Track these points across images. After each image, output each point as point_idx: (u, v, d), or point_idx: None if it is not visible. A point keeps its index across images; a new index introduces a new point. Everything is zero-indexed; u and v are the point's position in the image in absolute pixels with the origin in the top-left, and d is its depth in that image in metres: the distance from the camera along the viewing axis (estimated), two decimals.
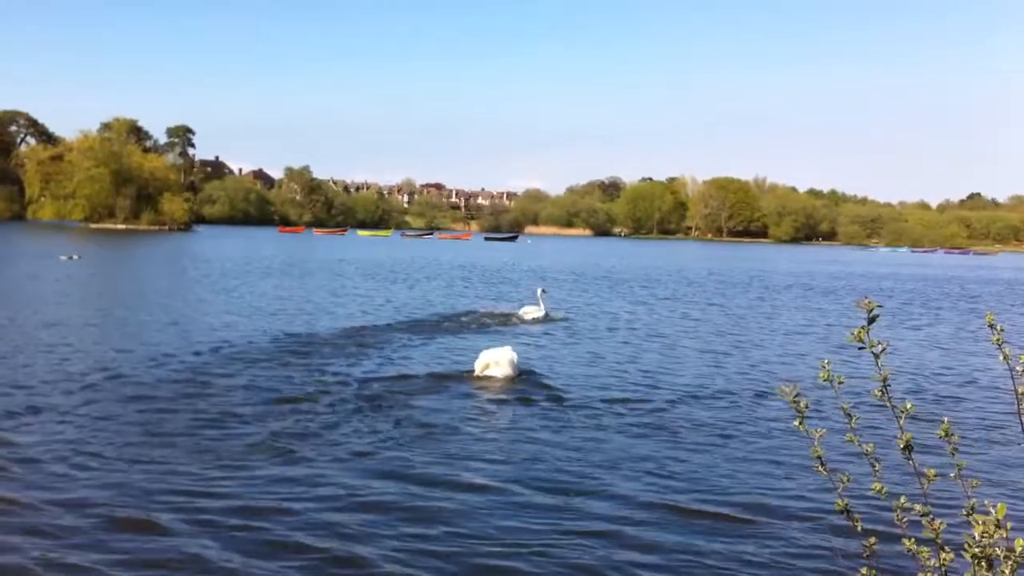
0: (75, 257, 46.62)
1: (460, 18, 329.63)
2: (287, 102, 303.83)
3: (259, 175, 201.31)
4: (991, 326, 3.21)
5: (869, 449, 3.46)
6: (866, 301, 3.20)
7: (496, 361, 15.34)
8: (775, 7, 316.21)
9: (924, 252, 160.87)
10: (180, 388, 13.90)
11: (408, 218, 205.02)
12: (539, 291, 26.84)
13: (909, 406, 3.25)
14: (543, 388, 14.88)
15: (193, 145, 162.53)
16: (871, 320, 3.19)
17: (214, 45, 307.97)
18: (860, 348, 3.22)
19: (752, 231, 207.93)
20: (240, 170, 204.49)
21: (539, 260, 71.11)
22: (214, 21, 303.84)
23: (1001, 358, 3.17)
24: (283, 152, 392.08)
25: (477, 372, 15.43)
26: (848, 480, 3.43)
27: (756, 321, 28.26)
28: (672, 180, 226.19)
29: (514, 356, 15.50)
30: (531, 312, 25.78)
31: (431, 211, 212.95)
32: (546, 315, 25.70)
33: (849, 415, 3.50)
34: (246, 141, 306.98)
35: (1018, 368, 3.09)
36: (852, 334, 3.23)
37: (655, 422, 12.78)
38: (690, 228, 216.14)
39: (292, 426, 11.72)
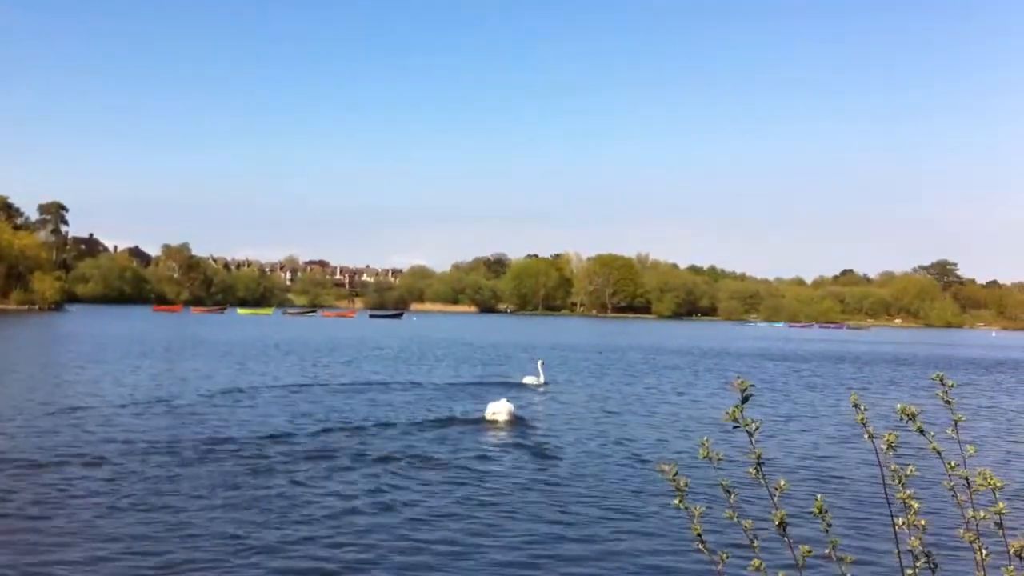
0: None
1: (342, 91, 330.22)
2: (164, 178, 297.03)
3: (135, 252, 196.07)
4: (855, 406, 3.32)
5: (748, 525, 3.50)
6: (738, 381, 3.28)
7: (497, 410, 21.41)
8: (651, 82, 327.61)
9: (801, 327, 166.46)
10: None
11: (291, 296, 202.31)
12: (539, 363, 32.48)
13: (783, 483, 3.32)
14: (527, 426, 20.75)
15: (66, 222, 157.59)
16: (744, 400, 3.26)
17: (87, 119, 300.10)
18: (735, 427, 3.28)
19: (635, 307, 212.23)
20: (115, 247, 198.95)
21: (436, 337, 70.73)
22: (85, 94, 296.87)
23: (866, 436, 3.28)
24: (160, 229, 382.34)
25: (487, 417, 21.41)
26: (727, 558, 3.46)
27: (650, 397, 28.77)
28: (557, 257, 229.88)
29: (511, 407, 21.61)
30: (532, 380, 31.44)
31: (315, 288, 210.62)
32: (544, 383, 31.04)
33: (728, 491, 3.54)
34: (121, 218, 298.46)
35: (881, 446, 3.20)
36: (727, 413, 3.29)
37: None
38: (575, 304, 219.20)
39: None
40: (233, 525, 11.14)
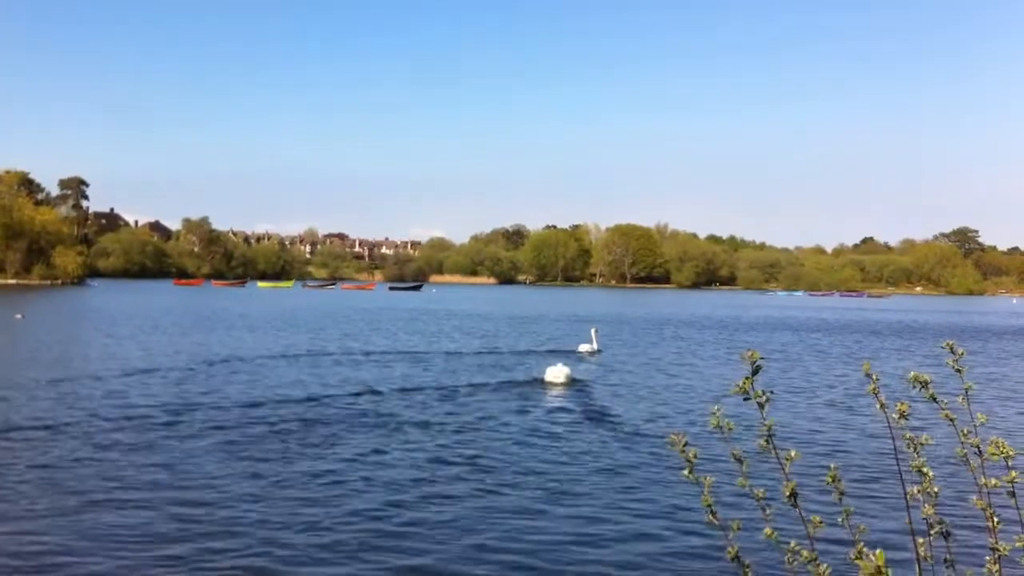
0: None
1: (359, 66, 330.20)
2: (185, 152, 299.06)
3: (156, 227, 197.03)
4: (868, 375, 3.30)
5: (760, 494, 3.49)
6: (749, 353, 3.26)
7: (557, 373, 23.93)
8: (670, 52, 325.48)
9: (821, 295, 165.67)
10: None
11: (311, 268, 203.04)
12: (593, 331, 34.46)
13: (794, 454, 3.30)
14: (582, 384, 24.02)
15: (87, 197, 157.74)
16: (755, 371, 3.23)
17: (107, 95, 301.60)
18: (745, 399, 3.27)
19: (655, 277, 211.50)
20: (136, 222, 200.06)
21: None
22: (106, 71, 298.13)
23: (878, 407, 3.26)
24: (181, 203, 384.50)
25: (547, 379, 23.96)
26: (738, 527, 3.45)
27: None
28: (576, 228, 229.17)
29: (568, 370, 24.18)
30: (586, 347, 33.35)
31: (334, 261, 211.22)
32: (598, 350, 33.11)
33: (740, 460, 3.53)
34: (142, 192, 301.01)
35: (894, 416, 3.18)
36: (737, 385, 3.27)
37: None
38: (594, 275, 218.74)
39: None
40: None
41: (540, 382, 24.06)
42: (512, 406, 20.12)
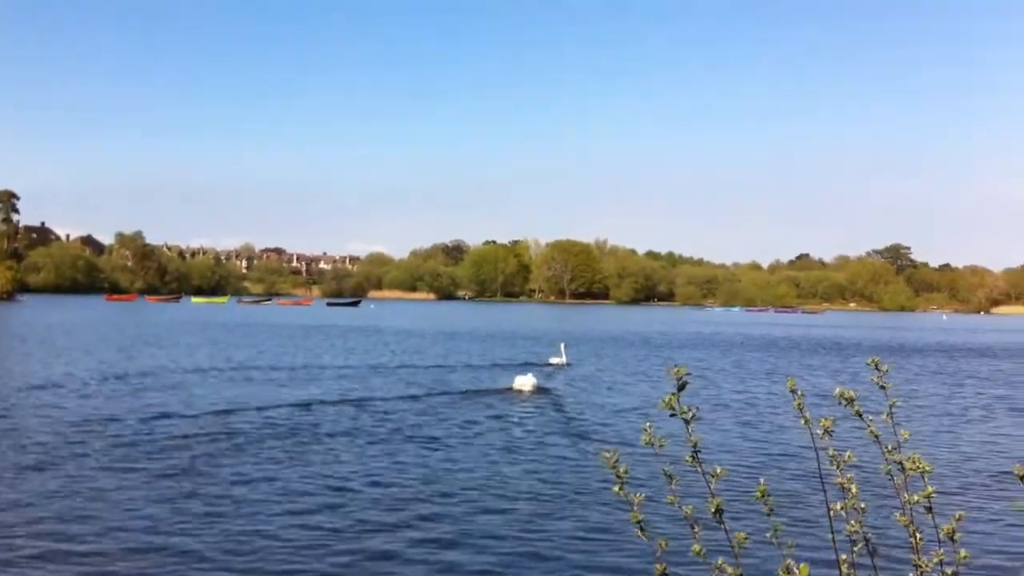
0: None
1: (298, 79, 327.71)
2: (118, 165, 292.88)
3: (88, 241, 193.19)
4: (792, 391, 3.32)
5: (688, 511, 3.49)
6: (676, 369, 3.26)
7: (523, 382, 26.16)
8: (608, 68, 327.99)
9: (757, 311, 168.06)
10: None
11: (247, 284, 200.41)
12: (562, 345, 36.62)
13: (719, 471, 3.31)
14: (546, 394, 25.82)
15: (17, 211, 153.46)
16: (681, 387, 3.23)
17: (38, 105, 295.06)
18: (671, 415, 3.26)
19: (594, 293, 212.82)
20: (68, 236, 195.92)
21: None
22: (35, 79, 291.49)
23: (802, 422, 3.28)
24: (114, 217, 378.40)
25: (515, 388, 26.06)
26: (666, 545, 3.44)
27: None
28: (515, 243, 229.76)
29: (535, 380, 26.47)
30: (557, 360, 35.29)
31: (271, 276, 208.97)
32: (567, 363, 34.92)
33: (670, 477, 3.52)
34: (74, 206, 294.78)
35: (817, 432, 3.20)
36: (663, 401, 3.27)
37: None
38: (533, 291, 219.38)
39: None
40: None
41: (509, 390, 26.01)
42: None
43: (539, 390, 26.04)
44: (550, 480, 14.11)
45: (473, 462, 15.46)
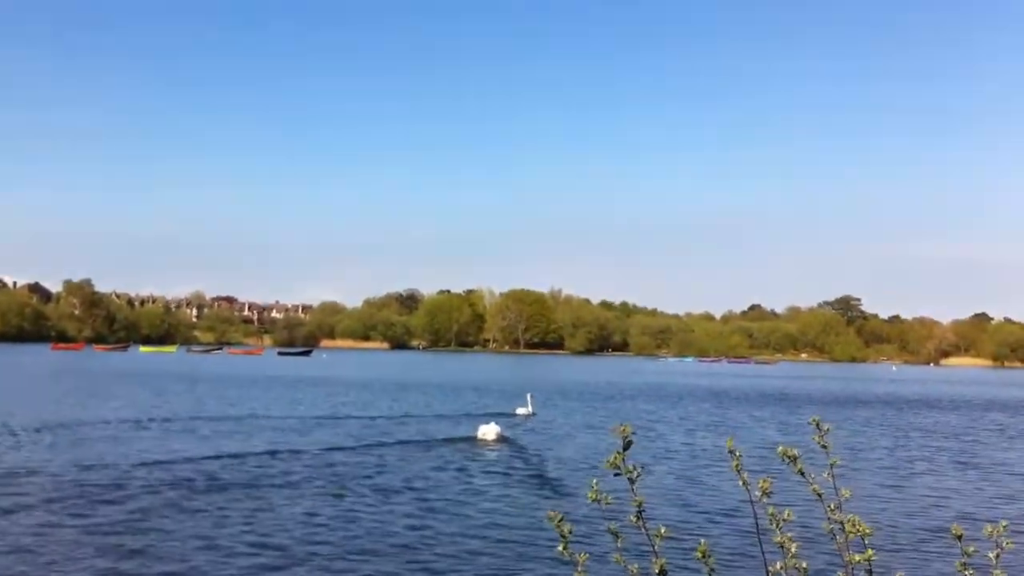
0: None
1: (246, 127, 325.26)
2: (66, 211, 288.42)
3: (35, 288, 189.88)
4: (731, 452, 3.34)
5: (634, 570, 3.48)
6: (621, 427, 3.26)
7: (487, 431, 27.02)
8: (564, 116, 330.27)
9: (710, 361, 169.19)
10: None
11: (197, 332, 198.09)
12: (529, 396, 37.86)
13: (663, 531, 3.31)
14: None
15: None
16: (626, 446, 3.24)
17: None
18: (616, 475, 3.26)
19: (548, 342, 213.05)
20: (15, 283, 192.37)
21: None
22: None
23: (740, 483, 3.29)
24: (62, 264, 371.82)
25: (479, 436, 26.91)
26: None
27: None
28: (470, 292, 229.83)
29: (499, 428, 27.31)
30: (523, 411, 36.43)
31: (222, 325, 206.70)
32: (533, 413, 36.18)
33: (616, 535, 3.51)
34: (21, 252, 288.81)
35: (756, 494, 3.21)
36: (608, 461, 3.27)
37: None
38: (488, 340, 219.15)
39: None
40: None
41: (473, 439, 26.78)
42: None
43: (502, 439, 26.76)
44: (498, 533, 13.99)
45: (423, 515, 15.30)
